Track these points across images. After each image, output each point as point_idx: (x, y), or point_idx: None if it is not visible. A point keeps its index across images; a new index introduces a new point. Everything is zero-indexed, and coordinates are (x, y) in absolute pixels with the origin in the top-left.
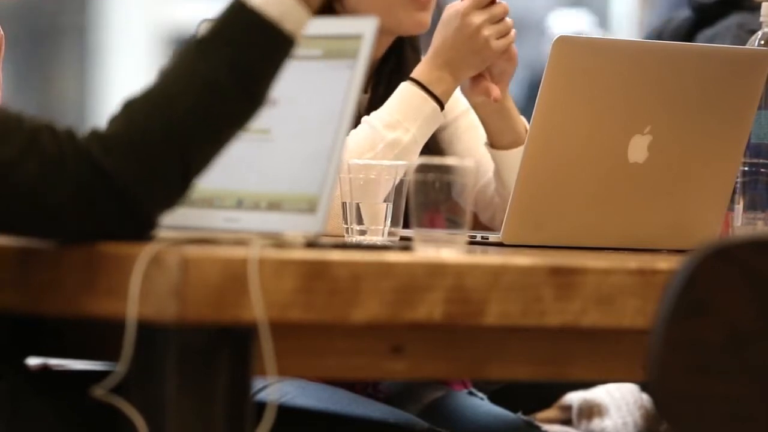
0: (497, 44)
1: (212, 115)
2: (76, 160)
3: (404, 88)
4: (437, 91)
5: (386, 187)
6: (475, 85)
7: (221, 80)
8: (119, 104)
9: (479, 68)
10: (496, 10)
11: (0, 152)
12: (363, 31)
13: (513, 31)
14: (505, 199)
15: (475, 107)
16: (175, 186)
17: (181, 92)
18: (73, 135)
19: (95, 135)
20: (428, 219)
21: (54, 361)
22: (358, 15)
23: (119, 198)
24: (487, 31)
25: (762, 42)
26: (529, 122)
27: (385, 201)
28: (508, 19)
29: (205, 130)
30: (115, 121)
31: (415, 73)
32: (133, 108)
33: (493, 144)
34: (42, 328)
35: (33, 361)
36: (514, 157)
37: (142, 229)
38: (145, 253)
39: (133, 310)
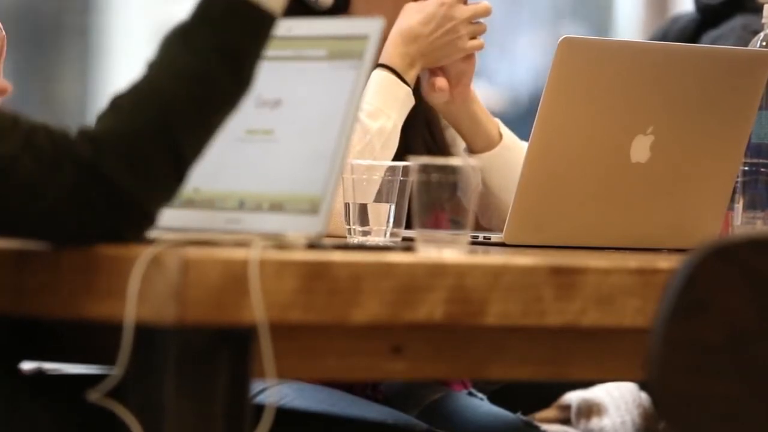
0: (468, 44)
1: (201, 103)
2: (71, 160)
3: (379, 76)
4: (408, 78)
5: (388, 186)
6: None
7: (207, 66)
8: (108, 101)
9: (441, 62)
10: (479, 9)
11: None
12: (368, 31)
13: (482, 40)
14: (491, 201)
15: (443, 114)
16: (169, 179)
17: (167, 83)
18: (68, 135)
19: (86, 135)
20: (431, 219)
21: (49, 365)
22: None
23: (115, 198)
24: (464, 29)
25: (763, 43)
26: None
27: (388, 202)
28: (483, 21)
29: (195, 118)
30: (103, 118)
31: (387, 59)
32: (121, 104)
33: (469, 149)
34: (39, 331)
35: (28, 365)
36: (488, 160)
37: (140, 227)
38: (144, 254)
39: (131, 312)
